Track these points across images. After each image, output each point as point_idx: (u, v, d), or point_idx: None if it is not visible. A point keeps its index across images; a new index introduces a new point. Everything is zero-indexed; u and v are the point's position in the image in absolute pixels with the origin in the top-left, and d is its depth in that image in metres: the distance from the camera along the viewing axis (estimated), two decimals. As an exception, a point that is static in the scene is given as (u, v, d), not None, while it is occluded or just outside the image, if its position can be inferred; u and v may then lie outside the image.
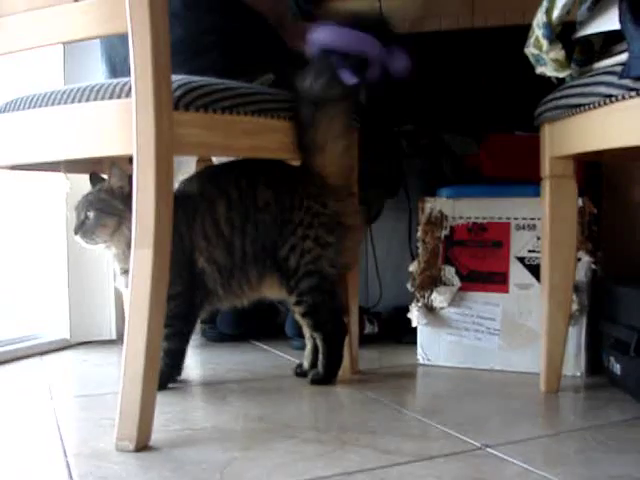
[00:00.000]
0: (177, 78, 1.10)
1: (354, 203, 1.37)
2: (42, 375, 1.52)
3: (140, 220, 1.02)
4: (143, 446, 1.02)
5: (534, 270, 1.49)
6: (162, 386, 1.28)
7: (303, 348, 1.73)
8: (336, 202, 1.33)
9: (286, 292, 1.35)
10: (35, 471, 0.97)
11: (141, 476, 0.94)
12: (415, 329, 1.61)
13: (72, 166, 1.54)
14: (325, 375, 1.40)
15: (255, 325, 1.91)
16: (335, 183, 1.33)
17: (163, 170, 1.02)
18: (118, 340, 1.85)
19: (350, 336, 1.46)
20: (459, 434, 1.10)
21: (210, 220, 1.31)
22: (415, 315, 1.58)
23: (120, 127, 1.07)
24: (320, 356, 1.40)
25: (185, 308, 1.34)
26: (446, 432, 1.11)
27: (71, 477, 0.93)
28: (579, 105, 1.14)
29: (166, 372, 1.32)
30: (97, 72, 1.69)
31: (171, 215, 1.04)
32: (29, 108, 1.20)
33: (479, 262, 1.54)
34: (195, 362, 1.65)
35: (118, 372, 1.53)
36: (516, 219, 1.51)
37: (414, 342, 1.62)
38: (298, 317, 1.38)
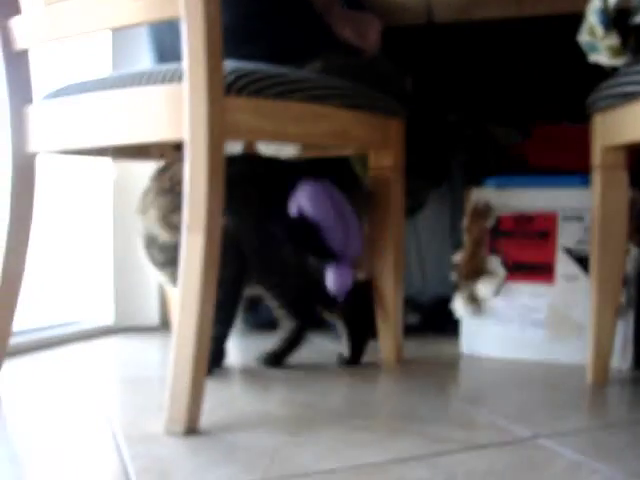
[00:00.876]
0: (228, 64, 1.10)
1: None
2: (88, 359, 1.54)
3: (192, 205, 1.02)
4: (192, 430, 1.03)
5: (582, 262, 1.47)
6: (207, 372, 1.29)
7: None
8: None
9: None
10: (86, 454, 0.98)
11: (191, 459, 0.94)
12: (458, 319, 1.60)
13: (120, 152, 1.55)
14: (350, 356, 1.44)
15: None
16: None
17: (215, 156, 1.02)
18: (161, 326, 1.86)
19: (396, 325, 1.45)
20: (508, 424, 1.09)
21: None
22: (459, 306, 1.57)
23: (170, 113, 1.07)
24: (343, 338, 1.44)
25: (232, 294, 1.35)
26: (494, 422, 1.11)
27: (122, 460, 0.94)
28: (633, 93, 1.12)
29: (211, 358, 1.33)
30: (144, 58, 1.70)
31: (222, 200, 1.04)
32: (79, 93, 1.21)
33: (525, 253, 1.52)
34: (237, 349, 1.66)
35: (161, 357, 1.57)
36: (564, 210, 1.49)
37: (457, 332, 1.61)
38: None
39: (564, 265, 1.49)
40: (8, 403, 1.23)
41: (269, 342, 1.49)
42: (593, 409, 1.23)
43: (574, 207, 1.48)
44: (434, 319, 1.85)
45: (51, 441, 1.03)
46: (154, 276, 1.44)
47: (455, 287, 1.59)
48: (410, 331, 1.75)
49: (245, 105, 1.10)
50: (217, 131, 1.02)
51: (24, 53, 1.28)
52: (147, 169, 1.80)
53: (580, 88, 1.31)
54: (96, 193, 1.87)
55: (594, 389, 1.32)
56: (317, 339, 1.76)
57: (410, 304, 1.86)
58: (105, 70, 1.81)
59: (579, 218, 1.48)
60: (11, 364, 1.42)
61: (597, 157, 1.29)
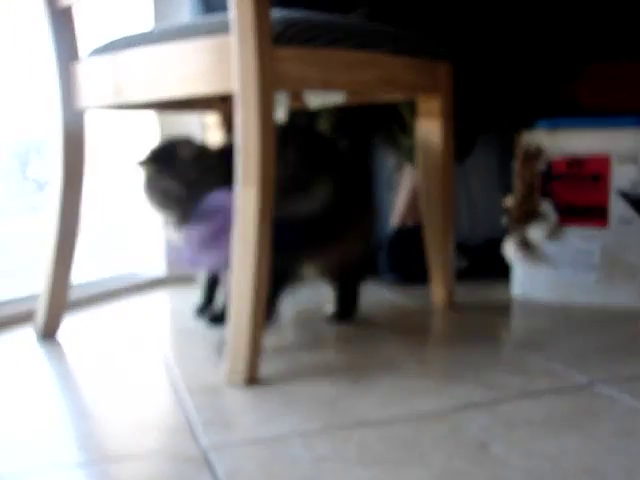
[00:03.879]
0: (276, 13, 1.08)
1: None
2: (144, 312, 1.56)
3: (245, 157, 1.02)
4: (252, 381, 1.05)
5: (636, 204, 1.44)
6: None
7: (397, 282, 1.74)
8: None
9: None
10: (150, 407, 1.01)
11: (254, 410, 0.96)
12: (508, 263, 1.58)
13: (166, 105, 1.55)
14: (339, 311, 1.43)
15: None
16: None
17: (266, 106, 1.02)
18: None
19: (447, 271, 1.45)
20: (564, 370, 1.09)
21: None
22: (511, 250, 1.55)
23: (218, 65, 1.06)
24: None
25: None
26: (551, 368, 1.10)
27: (187, 411, 0.96)
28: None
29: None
30: (185, 10, 1.68)
31: (274, 151, 1.04)
32: (126, 49, 1.20)
33: (577, 196, 1.50)
34: (290, 299, 1.67)
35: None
36: (617, 151, 1.46)
37: (508, 276, 1.60)
38: None
39: (618, 208, 1.46)
40: (71, 357, 1.26)
41: (323, 291, 1.49)
42: (650, 353, 1.22)
43: (628, 149, 1.45)
44: (484, 263, 1.84)
45: (115, 394, 1.05)
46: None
47: (506, 231, 1.57)
48: (460, 275, 1.75)
49: (294, 54, 1.08)
50: (267, 82, 1.01)
51: (68, 9, 1.27)
52: (193, 120, 1.82)
53: (634, 25, 1.27)
54: (142, 145, 1.87)
55: (650, 333, 1.30)
56: (368, 285, 1.76)
57: (460, 248, 1.85)
58: (147, 23, 1.79)
59: (634, 160, 1.44)
60: (70, 317, 1.45)
61: (654, 97, 1.26)
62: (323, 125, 1.90)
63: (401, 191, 1.83)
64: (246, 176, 1.02)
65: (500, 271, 1.67)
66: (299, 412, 0.94)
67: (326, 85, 1.16)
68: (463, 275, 1.76)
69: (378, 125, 1.94)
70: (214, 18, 1.10)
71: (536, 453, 0.81)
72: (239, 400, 1.00)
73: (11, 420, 0.96)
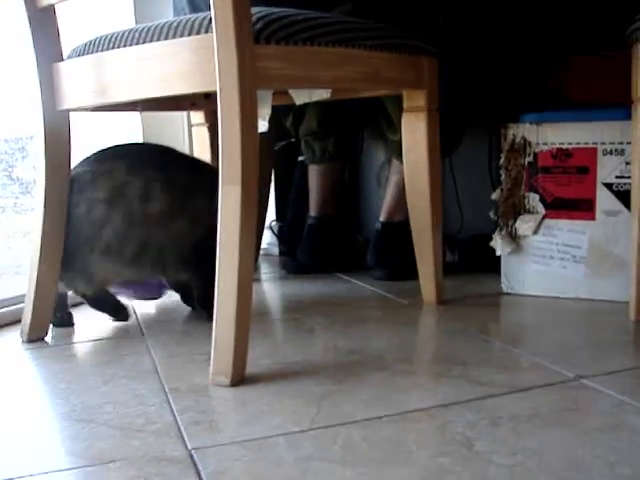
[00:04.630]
0: (256, 10, 1.08)
1: None
2: (131, 311, 1.55)
3: (227, 156, 1.02)
4: (238, 380, 1.04)
5: (622, 196, 1.44)
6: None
7: (384, 278, 1.74)
8: None
9: None
10: (135, 408, 1.00)
11: (239, 410, 0.96)
12: (496, 257, 1.58)
13: (150, 105, 1.55)
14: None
15: (334, 255, 1.91)
16: None
17: (247, 105, 1.01)
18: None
19: (435, 265, 1.45)
20: (551, 365, 1.09)
21: None
22: (499, 244, 1.55)
23: (200, 64, 1.05)
24: None
25: None
26: (537, 363, 1.10)
27: (173, 412, 0.96)
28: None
29: None
30: (167, 12, 1.68)
31: (257, 150, 1.03)
32: (107, 49, 1.20)
33: (564, 189, 1.49)
34: (279, 295, 1.67)
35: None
36: (603, 144, 1.46)
37: (495, 270, 1.60)
38: None
39: (605, 200, 1.46)
40: (59, 358, 1.25)
41: (310, 286, 1.49)
42: (637, 347, 1.22)
43: (614, 141, 1.44)
44: (472, 257, 1.84)
45: (100, 396, 1.05)
46: None
47: (494, 225, 1.57)
48: (448, 269, 1.75)
49: (275, 52, 1.08)
50: (248, 80, 1.01)
51: (49, 8, 1.26)
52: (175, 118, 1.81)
53: (619, 16, 1.27)
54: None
55: (638, 326, 1.30)
56: (357, 281, 1.76)
57: (448, 242, 1.85)
58: (127, 21, 1.78)
59: (620, 152, 1.44)
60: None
61: (637, 89, 1.26)
62: (310, 121, 1.90)
63: (389, 186, 1.83)
64: (228, 175, 1.01)
65: (488, 265, 1.67)
66: (284, 412, 0.94)
67: (309, 82, 1.16)
68: (451, 270, 1.76)
69: (365, 120, 1.94)
70: (197, 16, 1.10)
71: (521, 449, 0.81)
72: (224, 400, 1.00)
73: (-4, 424, 0.96)
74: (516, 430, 0.86)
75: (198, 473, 0.78)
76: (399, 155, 1.58)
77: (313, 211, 1.93)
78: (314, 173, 1.94)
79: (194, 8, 1.53)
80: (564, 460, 0.78)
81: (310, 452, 0.82)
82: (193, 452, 0.83)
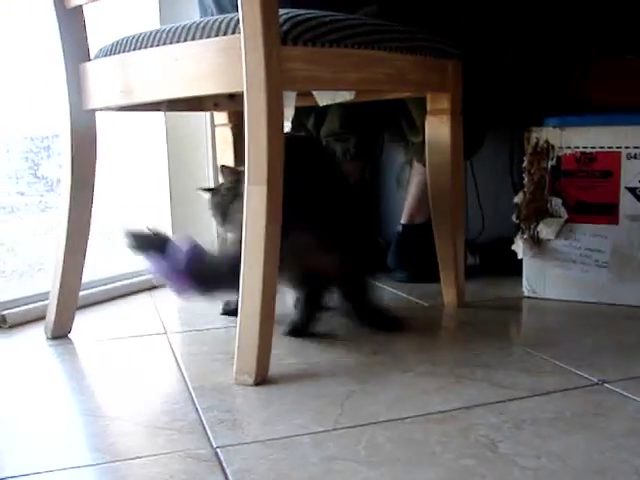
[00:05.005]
0: (283, 12, 1.08)
1: None
2: (153, 310, 1.57)
3: (253, 156, 1.02)
4: (262, 380, 1.05)
5: (646, 200, 1.44)
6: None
7: (405, 280, 1.74)
8: None
9: None
10: (160, 406, 1.01)
11: (263, 409, 0.96)
12: (517, 260, 1.58)
13: (174, 105, 1.55)
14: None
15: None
16: None
17: (274, 106, 1.02)
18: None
19: (457, 268, 1.45)
20: (574, 369, 1.09)
21: None
22: (520, 247, 1.55)
23: (226, 65, 1.06)
24: None
25: None
26: (560, 367, 1.10)
27: (197, 410, 0.96)
28: None
29: None
30: (191, 13, 1.68)
31: (282, 150, 1.04)
32: (134, 49, 1.20)
33: (587, 193, 1.49)
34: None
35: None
36: (627, 148, 1.45)
37: (516, 274, 1.60)
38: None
39: (628, 205, 1.45)
40: (82, 356, 1.26)
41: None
42: (661, 352, 1.22)
43: (638, 145, 1.44)
44: (493, 260, 1.84)
45: (125, 394, 1.06)
46: None
47: (516, 228, 1.57)
48: (469, 272, 1.74)
49: (302, 54, 1.08)
50: (275, 81, 1.01)
51: (78, 9, 1.28)
52: (198, 118, 1.82)
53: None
54: (150, 146, 1.87)
55: (661, 331, 1.30)
56: (378, 283, 1.75)
57: (468, 245, 1.85)
58: (152, 22, 1.79)
59: (644, 156, 1.44)
60: (81, 316, 1.45)
61: (664, 93, 1.25)
62: (332, 122, 1.90)
63: (410, 188, 1.83)
64: (254, 175, 1.02)
65: (509, 269, 1.67)
66: (308, 412, 0.94)
67: (334, 84, 1.16)
68: (472, 273, 1.76)
69: (387, 122, 1.94)
70: (224, 17, 1.10)
71: (545, 452, 0.81)
72: (248, 400, 1.00)
73: (22, 420, 0.97)
74: (540, 433, 0.86)
75: (224, 471, 0.79)
76: (421, 157, 1.58)
77: None
78: None
79: (220, 8, 1.54)
80: (589, 464, 0.78)
81: (334, 452, 0.82)
82: (218, 450, 0.84)
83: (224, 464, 0.80)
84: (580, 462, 0.79)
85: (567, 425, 0.88)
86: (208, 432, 0.89)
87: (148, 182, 1.89)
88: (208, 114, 1.80)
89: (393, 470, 0.78)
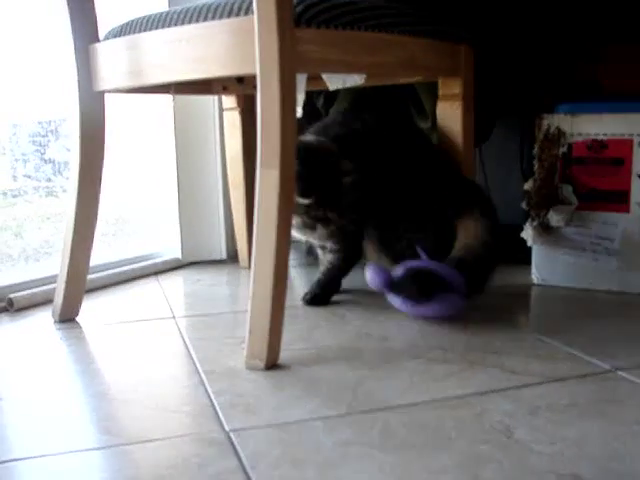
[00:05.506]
0: (296, -6, 1.07)
1: None
2: (161, 294, 1.56)
3: (266, 140, 1.01)
4: (272, 364, 1.04)
5: (657, 189, 1.43)
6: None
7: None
8: None
9: None
10: (171, 389, 1.01)
11: (275, 394, 0.96)
12: (524, 248, 1.57)
13: (183, 88, 1.54)
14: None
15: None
16: None
17: (287, 88, 1.00)
18: (228, 260, 1.88)
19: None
20: (586, 356, 1.08)
21: None
22: (530, 234, 1.54)
23: (238, 46, 1.05)
24: None
25: None
26: (572, 354, 1.10)
27: (208, 394, 0.96)
28: None
29: None
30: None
31: (295, 134, 1.03)
32: (144, 30, 1.19)
33: (598, 180, 1.48)
34: (307, 281, 1.66)
35: (231, 291, 1.59)
36: (639, 135, 1.44)
37: (524, 262, 1.59)
38: None
39: (639, 192, 1.44)
40: (90, 340, 1.26)
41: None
42: (672, 339, 1.21)
43: (651, 132, 1.43)
44: (501, 247, 1.82)
45: (135, 377, 1.05)
46: None
47: (526, 216, 1.56)
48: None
49: (315, 36, 1.07)
50: (288, 63, 1.00)
51: (87, -11, 1.26)
52: (206, 102, 1.81)
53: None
54: (157, 130, 1.86)
55: (672, 319, 1.29)
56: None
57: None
58: (161, 1, 1.77)
59: (656, 143, 1.42)
60: (88, 300, 1.44)
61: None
62: (340, 105, 1.89)
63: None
64: (267, 158, 1.01)
65: (517, 256, 1.66)
66: (320, 397, 0.94)
67: (347, 67, 1.15)
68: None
69: (395, 107, 1.92)
70: (234, -1, 1.09)
71: (560, 438, 0.81)
72: (260, 384, 1.00)
73: (31, 404, 0.96)
74: (554, 420, 0.86)
75: (237, 454, 0.78)
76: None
77: None
78: None
79: None
80: (604, 450, 0.78)
81: (349, 437, 0.82)
82: (231, 434, 0.83)
83: (237, 448, 0.80)
84: (596, 448, 0.78)
85: (581, 412, 0.88)
86: (220, 416, 0.89)
87: (155, 166, 1.88)
88: (216, 98, 1.79)
89: (409, 455, 0.77)
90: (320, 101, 1.91)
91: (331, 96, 1.87)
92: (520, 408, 0.89)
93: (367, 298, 1.44)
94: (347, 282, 1.48)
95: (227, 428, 0.85)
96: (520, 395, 0.93)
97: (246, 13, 1.04)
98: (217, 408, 0.91)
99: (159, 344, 1.21)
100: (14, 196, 1.84)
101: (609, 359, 1.06)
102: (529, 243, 1.55)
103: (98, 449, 0.82)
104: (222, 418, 0.88)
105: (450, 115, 1.40)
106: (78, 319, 1.36)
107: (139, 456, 0.79)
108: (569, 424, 0.84)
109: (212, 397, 0.95)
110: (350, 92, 1.81)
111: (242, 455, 0.78)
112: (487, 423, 0.85)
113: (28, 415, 0.92)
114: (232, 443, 0.81)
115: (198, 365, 1.08)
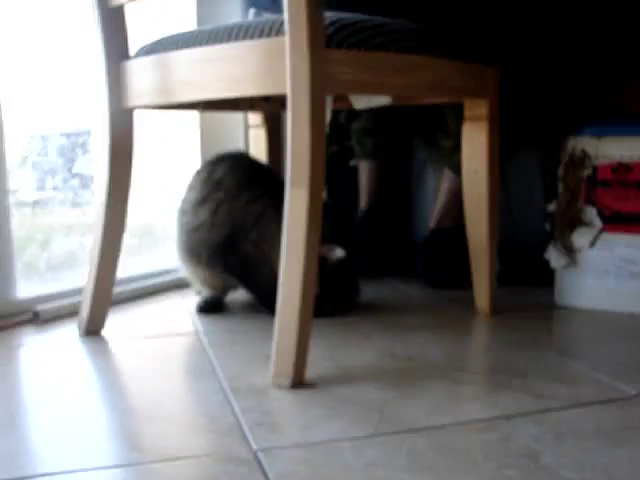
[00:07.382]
0: (328, 15, 1.08)
1: None
2: (184, 309, 1.57)
3: (295, 160, 1.02)
4: (299, 383, 1.05)
5: (682, 212, 1.42)
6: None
7: (432, 286, 1.73)
8: None
9: None
10: (197, 407, 1.01)
11: (302, 413, 0.96)
12: (546, 269, 1.57)
13: (211, 105, 1.56)
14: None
15: (387, 260, 1.90)
16: None
17: (317, 109, 1.02)
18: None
19: (490, 275, 1.44)
20: (612, 380, 1.08)
21: None
22: (553, 256, 1.54)
23: (269, 67, 1.06)
24: None
25: None
26: (597, 378, 1.09)
27: (234, 412, 0.96)
28: None
29: None
30: (228, 13, 1.69)
31: (324, 154, 1.04)
32: (175, 49, 1.21)
33: (623, 203, 1.48)
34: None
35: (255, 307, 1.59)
36: (665, 158, 1.44)
37: (545, 283, 1.59)
38: None
39: (664, 216, 1.44)
40: (115, 354, 1.27)
41: (363, 290, 1.49)
42: (698, 365, 1.21)
43: (677, 155, 1.43)
44: (522, 268, 1.82)
45: (161, 394, 1.06)
46: None
47: (549, 237, 1.56)
48: (498, 280, 1.73)
49: (346, 57, 1.08)
50: (319, 84, 1.01)
51: (120, 8, 1.28)
52: (233, 119, 1.82)
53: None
54: (184, 145, 1.88)
55: (696, 344, 1.29)
56: (407, 286, 1.75)
57: (498, 252, 1.83)
58: (189, 22, 1.79)
59: (682, 167, 1.42)
60: (114, 313, 1.45)
61: None
62: (364, 117, 1.90)
63: (440, 194, 1.82)
64: (296, 178, 1.02)
65: (538, 277, 1.66)
66: (347, 416, 0.94)
67: (377, 88, 1.16)
68: (499, 280, 1.74)
69: (417, 126, 1.93)
70: (267, 19, 1.10)
71: (588, 464, 0.80)
72: (286, 403, 1.00)
73: (57, 418, 0.97)
74: (581, 445, 0.85)
75: (265, 474, 0.78)
76: (451, 162, 1.57)
77: (363, 204, 1.93)
78: (364, 169, 1.94)
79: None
80: (634, 477, 0.77)
81: (376, 458, 0.82)
82: (259, 453, 0.84)
83: (265, 467, 0.80)
84: (625, 475, 0.78)
85: (608, 438, 0.88)
86: (247, 434, 0.89)
87: (181, 180, 1.89)
88: (242, 115, 1.80)
89: (435, 478, 0.77)
90: (343, 114, 1.93)
91: (354, 111, 1.88)
92: (546, 433, 0.89)
93: (388, 316, 1.45)
94: (369, 298, 1.48)
95: (254, 447, 0.85)
96: (546, 419, 0.93)
97: (277, 34, 1.06)
98: (244, 427, 0.91)
99: (184, 360, 1.22)
100: (41, 208, 1.86)
101: (635, 384, 1.06)
102: (552, 264, 1.55)
103: (127, 466, 0.82)
104: (249, 437, 0.88)
105: (476, 136, 1.41)
106: (103, 332, 1.37)
107: (169, 474, 0.80)
108: (596, 450, 0.84)
109: (238, 415, 0.95)
110: (371, 111, 1.82)
111: (270, 475, 0.78)
112: (514, 447, 0.85)
113: (53, 430, 0.93)
114: (260, 463, 0.81)
115: (223, 382, 1.08)
